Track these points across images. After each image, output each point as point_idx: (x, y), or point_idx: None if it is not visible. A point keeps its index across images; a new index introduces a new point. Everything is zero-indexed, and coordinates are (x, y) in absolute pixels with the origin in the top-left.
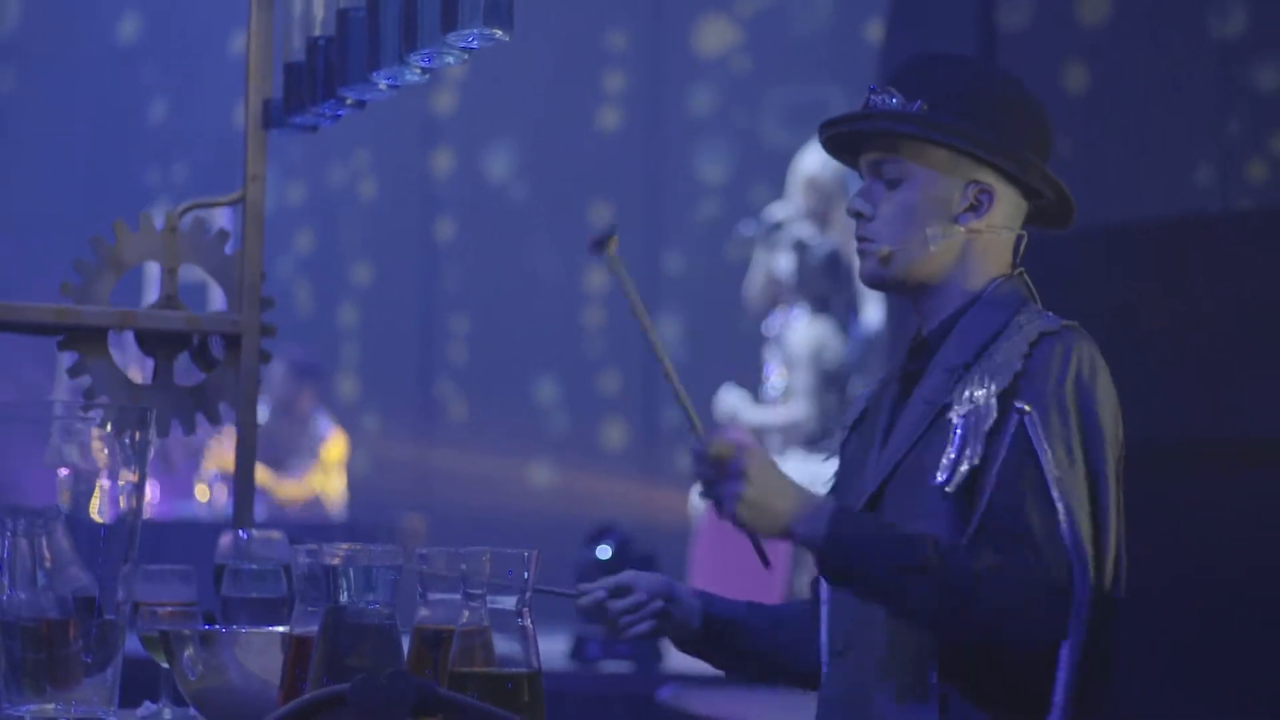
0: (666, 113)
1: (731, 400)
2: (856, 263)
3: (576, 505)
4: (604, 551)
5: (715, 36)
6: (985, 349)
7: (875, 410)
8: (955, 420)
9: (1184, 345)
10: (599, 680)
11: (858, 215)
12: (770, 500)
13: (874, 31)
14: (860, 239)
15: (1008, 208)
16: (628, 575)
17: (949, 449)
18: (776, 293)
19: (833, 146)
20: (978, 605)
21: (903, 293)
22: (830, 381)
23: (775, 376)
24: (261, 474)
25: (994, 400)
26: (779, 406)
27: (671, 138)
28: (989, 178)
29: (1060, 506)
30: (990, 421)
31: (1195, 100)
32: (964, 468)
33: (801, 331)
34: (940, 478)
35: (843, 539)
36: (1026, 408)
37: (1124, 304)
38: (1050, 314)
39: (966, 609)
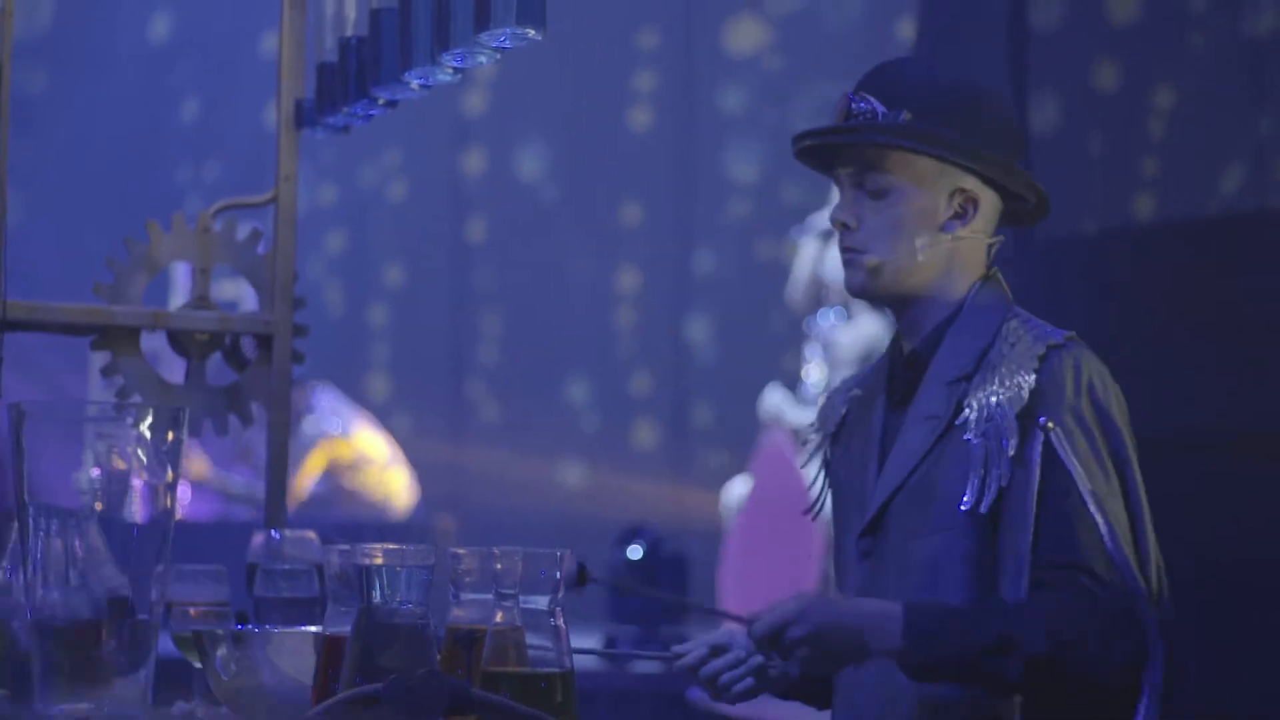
0: (697, 112)
1: (775, 399)
2: None
3: (607, 505)
4: (635, 552)
5: (746, 35)
6: (982, 358)
7: (860, 421)
8: (973, 440)
9: (1217, 342)
10: (630, 679)
11: (843, 226)
12: (834, 645)
13: (905, 30)
14: (846, 249)
15: (989, 213)
16: (724, 633)
17: (973, 471)
18: (821, 294)
19: (806, 155)
20: (1060, 662)
21: (888, 303)
22: None
23: (814, 375)
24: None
25: (1013, 421)
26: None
27: (702, 137)
28: (972, 184)
29: (1099, 520)
30: (1012, 441)
31: (1226, 99)
32: (992, 488)
33: (851, 333)
34: (967, 499)
35: (917, 649)
36: (1050, 425)
37: (1156, 302)
38: (1038, 320)
39: (1051, 671)
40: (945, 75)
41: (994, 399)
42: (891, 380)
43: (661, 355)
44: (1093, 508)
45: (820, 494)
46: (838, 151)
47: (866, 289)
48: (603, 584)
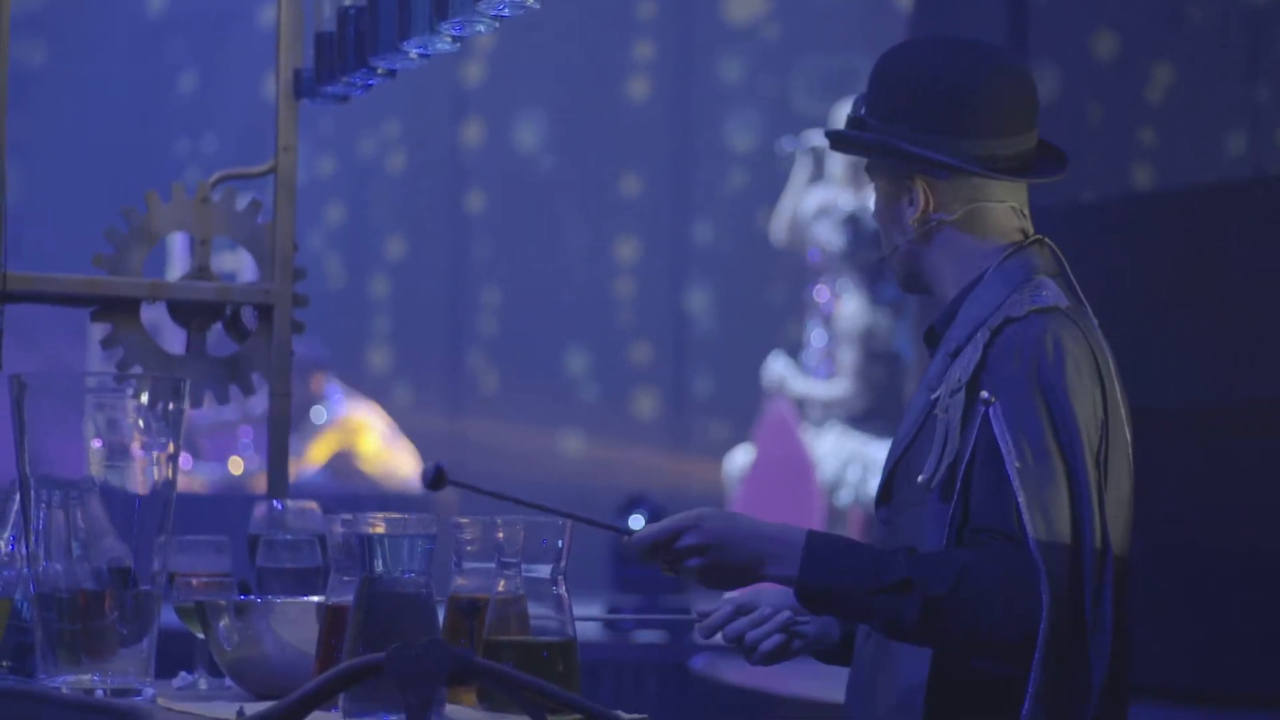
0: (696, 82)
1: (779, 369)
2: None
3: (608, 476)
4: (636, 522)
5: (744, 5)
6: (977, 329)
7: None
8: (938, 415)
9: (1215, 311)
10: (633, 649)
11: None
12: (727, 560)
13: None
14: None
15: (951, 191)
16: (751, 593)
17: (934, 446)
18: (804, 234)
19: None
20: (958, 609)
21: (916, 292)
22: (878, 358)
23: (816, 348)
24: None
25: (961, 392)
26: (825, 380)
27: (701, 107)
28: (922, 175)
29: (1021, 500)
30: (960, 414)
31: (1225, 68)
32: (944, 464)
33: (852, 307)
34: (923, 475)
35: (816, 575)
36: (990, 397)
37: (1154, 271)
38: (1046, 292)
39: (948, 615)
40: (907, 65)
41: (956, 373)
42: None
43: (661, 326)
44: (1016, 484)
45: None
46: None
47: (900, 285)
48: (461, 486)
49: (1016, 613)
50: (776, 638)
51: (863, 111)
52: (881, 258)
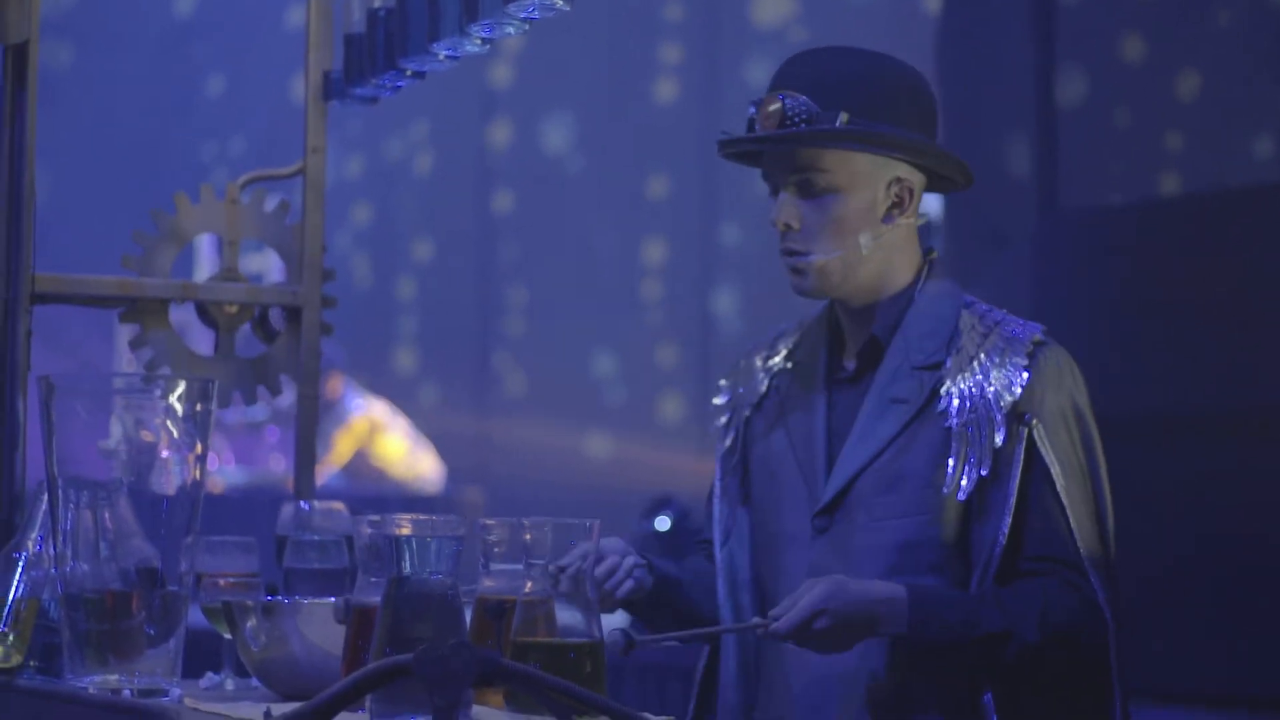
0: (723, 84)
1: None
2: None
3: (634, 478)
4: (662, 523)
5: (772, 7)
6: (950, 345)
7: (795, 396)
8: (953, 427)
9: (1245, 313)
10: (657, 652)
11: (786, 227)
12: (850, 630)
13: (931, 2)
14: (790, 253)
15: (919, 196)
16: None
17: (952, 458)
18: None
19: (736, 154)
20: (1045, 647)
21: (841, 299)
22: None
23: None
24: None
25: (999, 414)
26: None
27: (728, 109)
28: (905, 172)
29: (1070, 516)
30: (999, 434)
31: (1253, 71)
32: (971, 476)
33: None
34: (947, 487)
35: (923, 631)
36: (1035, 422)
37: (1181, 274)
38: (995, 308)
39: (1037, 655)
40: (872, 67)
41: (978, 390)
42: (832, 358)
43: (688, 327)
44: (1065, 502)
45: (740, 464)
46: (773, 153)
47: (818, 291)
48: (648, 644)
49: (1089, 641)
50: (629, 583)
51: (844, 118)
52: (818, 265)
